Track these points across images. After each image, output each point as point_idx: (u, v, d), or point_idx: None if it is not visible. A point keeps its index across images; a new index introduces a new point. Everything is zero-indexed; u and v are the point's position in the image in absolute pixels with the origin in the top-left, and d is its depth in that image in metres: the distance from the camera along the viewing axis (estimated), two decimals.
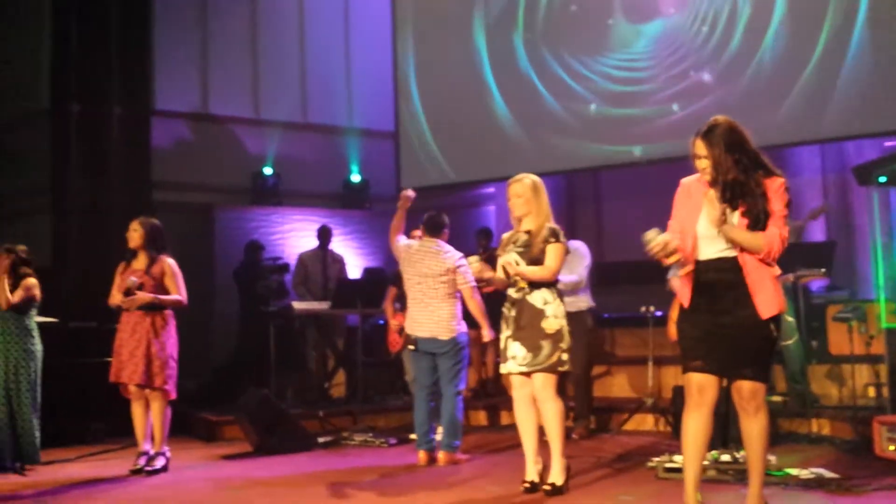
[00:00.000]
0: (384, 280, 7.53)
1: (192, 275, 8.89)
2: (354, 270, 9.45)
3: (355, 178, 10.53)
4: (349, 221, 10.27)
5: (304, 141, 10.40)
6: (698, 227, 3.41)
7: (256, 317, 8.08)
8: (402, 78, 10.13)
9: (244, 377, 7.94)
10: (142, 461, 5.44)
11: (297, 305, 7.60)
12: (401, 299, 6.61)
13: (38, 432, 5.66)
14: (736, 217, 3.34)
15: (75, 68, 9.11)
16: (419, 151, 10.03)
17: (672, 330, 5.53)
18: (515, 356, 4.34)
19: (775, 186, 3.33)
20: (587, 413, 6.50)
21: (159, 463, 5.45)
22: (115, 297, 5.51)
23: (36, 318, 5.82)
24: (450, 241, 6.53)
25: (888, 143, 8.31)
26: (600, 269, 7.91)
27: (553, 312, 4.33)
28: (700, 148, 3.40)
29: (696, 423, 3.38)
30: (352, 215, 10.32)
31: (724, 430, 5.31)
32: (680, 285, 3.49)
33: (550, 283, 4.40)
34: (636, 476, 4.80)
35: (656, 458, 4.94)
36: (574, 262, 6.04)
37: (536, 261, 4.36)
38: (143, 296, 5.39)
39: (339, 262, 8.52)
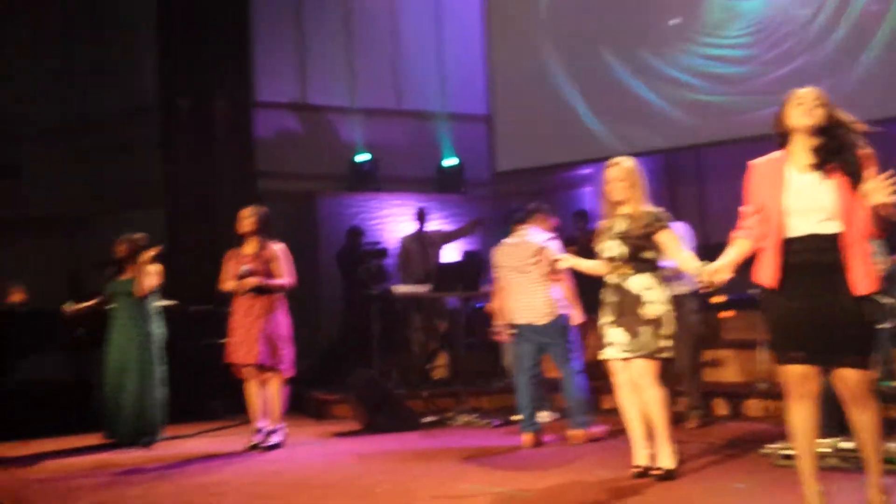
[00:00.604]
0: (485, 263, 7.60)
1: (297, 260, 9.19)
2: (452, 254, 9.56)
3: (449, 162, 10.60)
4: (445, 205, 10.37)
5: (398, 127, 10.56)
6: (787, 202, 3.23)
7: (359, 300, 8.28)
8: (496, 61, 10.16)
9: (350, 358, 8.17)
10: (257, 437, 5.70)
11: (397, 289, 7.76)
12: None
13: (162, 410, 6.01)
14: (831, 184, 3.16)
15: (180, 65, 9.49)
16: (513, 134, 10.04)
17: None
18: (614, 342, 4.32)
19: (867, 153, 3.18)
20: (700, 402, 6.35)
21: (275, 439, 5.69)
22: (227, 283, 5.77)
23: (159, 302, 6.18)
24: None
25: None
26: (704, 252, 7.73)
27: (653, 298, 4.28)
28: (811, 95, 3.26)
29: (801, 416, 3.26)
30: (447, 199, 10.42)
31: (841, 415, 5.18)
32: (764, 264, 3.25)
33: (653, 268, 4.35)
34: (750, 463, 4.69)
35: (771, 445, 4.85)
36: None
37: (638, 247, 4.29)
38: (253, 279, 5.62)
39: (436, 243, 8.62)
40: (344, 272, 8.90)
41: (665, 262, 5.75)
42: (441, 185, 10.56)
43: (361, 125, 10.39)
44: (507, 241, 5.78)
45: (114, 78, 10.27)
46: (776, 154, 3.42)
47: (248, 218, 5.78)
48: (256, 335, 5.60)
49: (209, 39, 9.56)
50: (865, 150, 3.20)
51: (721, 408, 6.65)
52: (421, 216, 8.69)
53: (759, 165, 3.43)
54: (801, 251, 3.21)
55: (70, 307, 6.21)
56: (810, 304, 3.18)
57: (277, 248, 5.81)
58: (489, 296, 7.60)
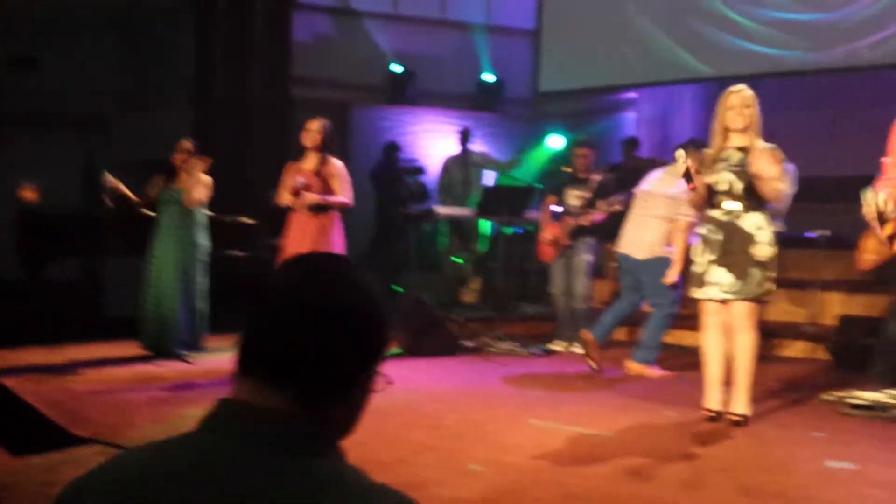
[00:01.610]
0: (530, 189, 7.39)
1: None
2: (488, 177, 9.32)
3: (488, 77, 10.21)
4: (481, 124, 10.03)
5: (439, 38, 10.13)
6: None
7: (395, 217, 8.09)
8: None
9: (378, 275, 8.04)
10: None
11: (439, 209, 7.56)
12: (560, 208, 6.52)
13: (203, 323, 5.88)
14: None
15: None
16: (559, 52, 9.67)
17: (864, 260, 5.23)
18: (720, 282, 4.11)
19: None
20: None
21: None
22: (285, 197, 5.54)
23: (206, 212, 5.97)
24: (597, 148, 6.57)
25: None
26: None
27: (764, 238, 4.08)
28: None
29: None
30: (484, 117, 10.08)
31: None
32: None
33: (763, 206, 4.13)
34: (816, 409, 4.61)
35: (834, 392, 4.76)
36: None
37: (754, 183, 4.06)
38: (312, 196, 5.40)
39: (479, 165, 8.37)
40: (379, 188, 8.67)
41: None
42: (479, 102, 10.20)
43: (402, 34, 9.97)
44: (667, 169, 5.61)
45: None
46: None
47: (314, 131, 5.50)
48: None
49: None
50: None
51: (766, 347, 6.55)
52: (465, 136, 8.41)
53: None
54: None
55: (111, 180, 5.89)
56: None
57: (338, 165, 5.57)
58: (533, 222, 7.46)
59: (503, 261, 7.54)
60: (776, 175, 4.04)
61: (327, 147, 5.53)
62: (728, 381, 4.23)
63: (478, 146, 8.87)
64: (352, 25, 9.82)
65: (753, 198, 4.08)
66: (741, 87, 4.17)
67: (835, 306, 6.45)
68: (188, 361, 5.67)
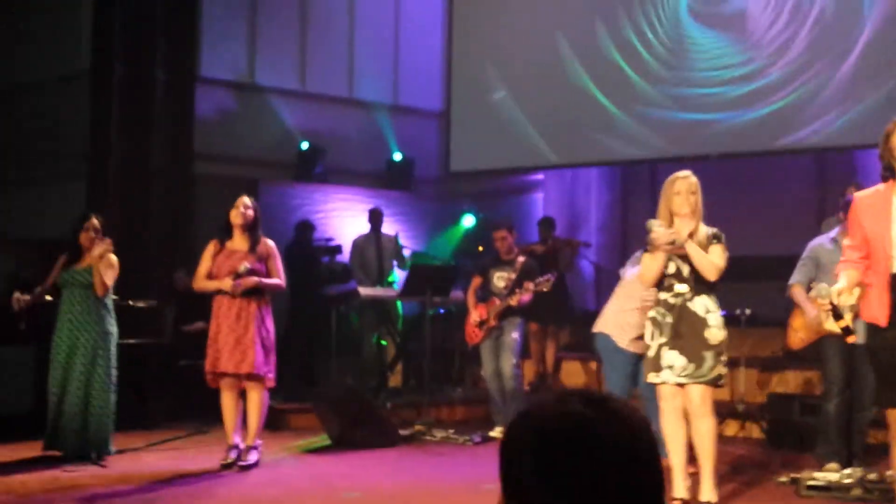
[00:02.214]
0: (455, 269, 7.29)
1: None
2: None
3: (397, 156, 10.14)
4: (393, 203, 9.92)
5: (348, 117, 10.04)
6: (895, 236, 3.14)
7: (314, 299, 7.75)
8: (458, 58, 9.83)
9: (295, 362, 7.64)
10: (233, 454, 5.13)
11: (363, 291, 7.31)
12: (483, 290, 6.42)
13: (111, 419, 5.34)
14: None
15: (119, 29, 8.65)
16: (468, 133, 9.75)
17: (793, 339, 5.33)
18: (673, 366, 4.06)
19: None
20: None
21: (253, 457, 5.15)
22: (207, 282, 5.16)
23: (112, 297, 5.47)
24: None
25: None
26: None
27: (716, 322, 4.09)
28: None
29: None
30: (395, 196, 9.98)
31: (849, 445, 5.17)
32: (872, 301, 3.18)
33: (712, 289, 4.15)
34: (775, 492, 4.61)
35: (788, 475, 4.78)
36: None
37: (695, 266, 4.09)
38: (250, 280, 5.07)
39: (392, 244, 8.19)
40: (294, 269, 8.30)
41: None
42: (390, 180, 10.10)
43: (309, 111, 9.81)
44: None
45: (45, 42, 9.27)
46: (880, 186, 3.28)
47: (248, 208, 5.20)
48: (252, 341, 5.03)
49: (153, 3, 8.77)
50: None
51: None
52: (375, 216, 8.22)
53: (864, 198, 3.29)
54: None
55: (20, 300, 5.33)
56: None
57: (272, 244, 5.27)
58: (457, 302, 7.34)
59: (428, 343, 7.30)
60: (714, 257, 4.07)
61: (258, 225, 5.24)
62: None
63: (388, 229, 8.65)
64: (257, 101, 9.57)
65: (701, 281, 4.10)
66: (687, 173, 4.22)
67: (762, 382, 6.59)
68: (101, 465, 5.10)
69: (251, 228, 5.21)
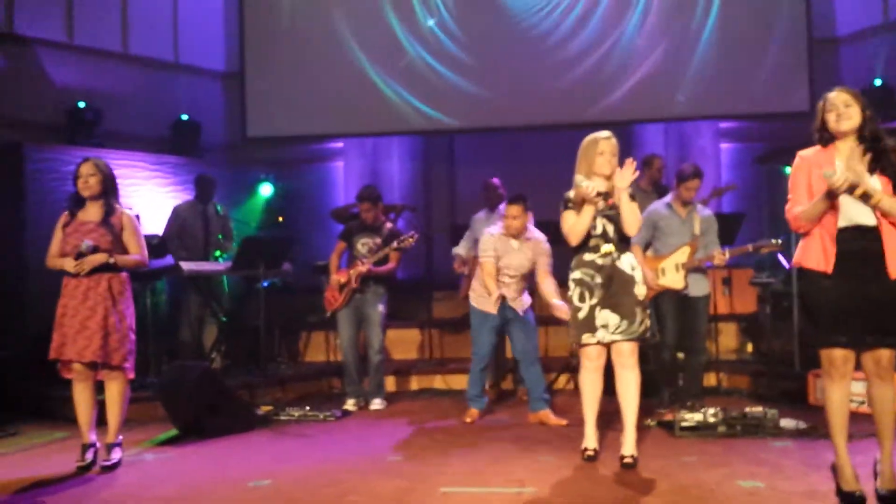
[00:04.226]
0: (290, 241, 6.93)
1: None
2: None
3: (184, 119, 9.30)
4: (179, 169, 9.12)
5: (125, 75, 9.03)
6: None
7: None
8: (250, 18, 9.26)
9: None
10: (90, 455, 4.44)
11: (186, 266, 6.66)
12: (348, 254, 6.20)
13: None
14: (876, 179, 3.37)
15: None
16: (266, 98, 9.27)
17: None
18: (607, 324, 4.17)
19: None
20: None
21: (116, 456, 4.50)
22: (57, 260, 4.43)
23: None
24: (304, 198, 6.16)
25: (723, 125, 9.35)
26: (454, 230, 7.89)
27: (640, 278, 4.25)
28: (848, 97, 3.45)
29: (840, 394, 3.44)
30: (182, 163, 9.16)
31: (689, 387, 5.72)
32: (816, 249, 3.42)
33: (629, 247, 4.31)
34: (652, 436, 4.89)
35: (654, 418, 5.16)
36: None
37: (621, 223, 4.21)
38: (97, 257, 4.38)
39: (223, 217, 7.55)
40: None
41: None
42: (175, 146, 9.24)
43: (80, 68, 8.67)
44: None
45: None
46: (817, 148, 3.57)
47: (92, 176, 4.48)
48: (98, 325, 4.36)
49: None
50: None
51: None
52: (205, 185, 7.54)
53: (807, 157, 3.56)
54: (851, 239, 3.40)
55: None
56: (858, 289, 3.37)
57: (129, 215, 4.59)
58: (287, 275, 7.02)
59: (262, 318, 6.84)
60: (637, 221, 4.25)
61: (111, 192, 4.56)
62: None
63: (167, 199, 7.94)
64: (19, 53, 8.26)
65: (624, 240, 4.26)
66: (608, 133, 4.31)
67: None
68: None
69: (102, 196, 4.51)
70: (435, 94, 8.97)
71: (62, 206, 7.56)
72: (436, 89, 8.96)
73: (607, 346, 4.25)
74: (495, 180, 6.74)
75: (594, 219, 4.20)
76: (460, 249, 6.70)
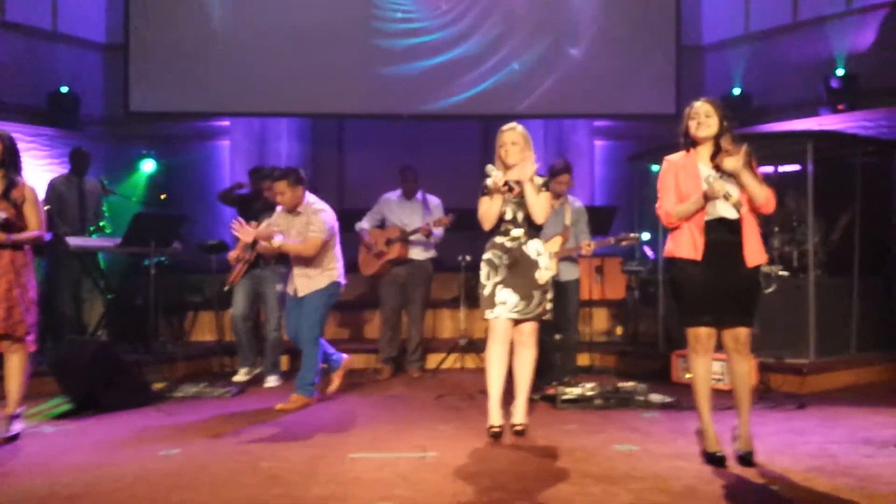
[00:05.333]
0: (181, 218, 6.93)
1: None
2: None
3: (64, 89, 9.01)
4: (56, 142, 8.87)
5: (1, 43, 8.67)
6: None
7: None
8: None
9: None
10: None
11: (72, 241, 6.54)
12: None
13: None
14: (731, 181, 3.83)
15: None
16: (150, 71, 9.10)
17: None
18: (506, 302, 4.49)
19: (747, 151, 3.96)
20: (422, 353, 6.90)
21: (17, 427, 4.48)
22: None
23: None
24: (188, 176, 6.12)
25: (597, 123, 9.96)
26: (342, 216, 8.11)
27: (545, 264, 4.57)
28: (709, 108, 3.92)
29: (705, 367, 3.94)
30: (59, 135, 8.90)
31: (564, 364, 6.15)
32: (686, 240, 3.86)
33: (538, 233, 4.63)
34: (535, 409, 5.24)
35: (545, 391, 5.57)
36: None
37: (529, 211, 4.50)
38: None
39: (98, 189, 7.42)
40: None
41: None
42: (52, 117, 8.93)
43: None
44: None
45: None
46: (682, 153, 4.06)
47: None
48: (1, 298, 4.32)
49: None
50: (745, 149, 4.00)
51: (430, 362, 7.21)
52: (80, 158, 7.38)
53: (674, 161, 4.05)
54: (714, 231, 3.92)
55: None
56: (721, 274, 3.89)
57: (30, 187, 4.54)
58: (176, 253, 7.04)
59: (152, 296, 6.81)
60: (544, 202, 4.57)
61: (13, 164, 4.51)
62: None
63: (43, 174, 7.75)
64: None
65: (532, 226, 4.60)
66: (513, 125, 4.62)
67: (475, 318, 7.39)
68: None
69: (2, 167, 4.45)
70: (322, 76, 9.08)
71: None
72: (323, 72, 9.07)
73: (514, 324, 4.56)
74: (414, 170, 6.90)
75: (506, 205, 4.52)
76: (365, 224, 6.85)
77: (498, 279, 4.54)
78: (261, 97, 9.13)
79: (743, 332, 3.95)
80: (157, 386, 5.98)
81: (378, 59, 9.13)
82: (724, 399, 4.72)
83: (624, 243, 6.11)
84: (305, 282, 5.50)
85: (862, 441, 4.33)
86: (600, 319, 8.14)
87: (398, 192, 6.90)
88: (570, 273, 6.05)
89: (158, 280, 6.76)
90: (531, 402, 5.27)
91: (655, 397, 5.58)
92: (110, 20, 9.58)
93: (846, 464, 3.87)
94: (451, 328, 7.86)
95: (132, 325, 7.03)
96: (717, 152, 3.95)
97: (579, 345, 6.60)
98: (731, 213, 3.91)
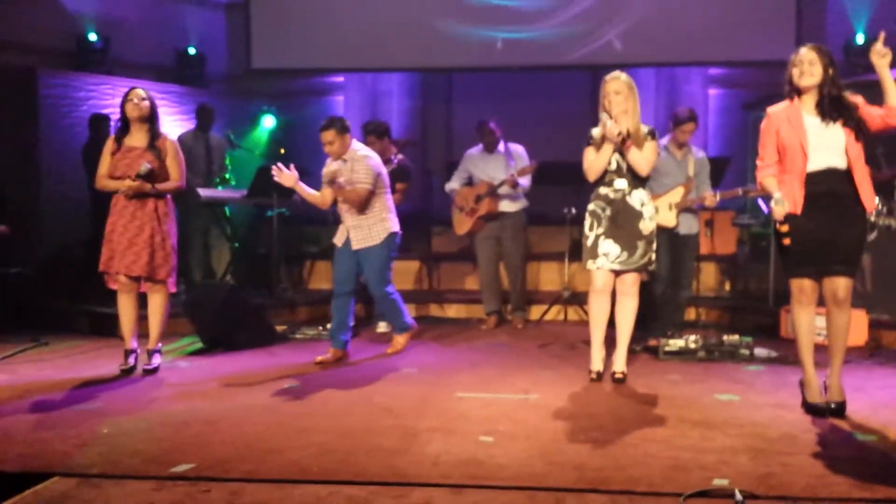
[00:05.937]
0: (301, 170, 7.24)
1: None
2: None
3: (190, 49, 9.53)
4: (184, 99, 9.38)
5: (132, 4, 9.22)
6: (810, 140, 3.82)
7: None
8: None
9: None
10: (132, 360, 4.89)
11: (201, 192, 7.02)
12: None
13: None
14: (840, 130, 3.82)
15: None
16: (270, 30, 9.47)
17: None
18: (608, 253, 4.59)
19: (860, 100, 3.88)
20: (525, 304, 7.07)
21: (156, 361, 4.97)
22: (109, 182, 4.81)
23: None
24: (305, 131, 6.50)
25: (711, 71, 9.73)
26: (450, 167, 8.25)
27: (649, 214, 4.63)
28: (813, 56, 3.85)
29: (809, 318, 3.96)
30: (187, 92, 9.42)
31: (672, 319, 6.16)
32: (787, 194, 3.83)
33: (645, 184, 4.67)
34: (638, 360, 5.38)
35: (640, 344, 5.65)
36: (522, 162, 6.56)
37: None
38: (144, 186, 4.79)
39: (223, 144, 7.89)
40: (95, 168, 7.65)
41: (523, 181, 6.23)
42: (179, 76, 9.48)
43: None
44: None
45: None
46: (786, 103, 4.02)
47: (142, 100, 4.82)
48: (146, 242, 4.77)
49: None
50: (856, 98, 3.93)
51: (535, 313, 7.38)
52: (205, 115, 7.84)
53: (777, 114, 4.01)
54: (820, 182, 3.87)
55: None
56: (825, 225, 3.85)
57: (172, 140, 4.96)
58: (295, 205, 7.35)
59: (275, 245, 7.23)
60: (648, 153, 4.60)
61: (156, 118, 4.91)
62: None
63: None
64: None
65: (636, 177, 4.63)
66: (617, 73, 4.61)
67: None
68: None
69: (149, 121, 4.86)
70: (433, 32, 9.22)
71: (73, 130, 7.97)
72: (434, 28, 9.21)
73: (616, 274, 4.66)
74: (492, 123, 6.84)
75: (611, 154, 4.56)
76: (454, 184, 6.94)
77: (601, 230, 4.61)
78: (374, 53, 9.36)
79: (842, 283, 3.89)
80: (280, 328, 6.41)
81: (487, 14, 9.18)
82: (826, 356, 4.68)
83: (751, 195, 5.94)
84: (359, 234, 5.39)
85: None
86: (708, 274, 8.07)
87: (479, 147, 6.87)
88: (690, 226, 5.89)
89: (280, 230, 7.17)
90: (633, 353, 5.40)
91: (760, 352, 5.57)
92: None
93: None
94: (555, 281, 7.98)
95: (256, 272, 7.50)
96: (821, 101, 3.89)
97: (689, 300, 6.60)
98: (839, 162, 3.86)
